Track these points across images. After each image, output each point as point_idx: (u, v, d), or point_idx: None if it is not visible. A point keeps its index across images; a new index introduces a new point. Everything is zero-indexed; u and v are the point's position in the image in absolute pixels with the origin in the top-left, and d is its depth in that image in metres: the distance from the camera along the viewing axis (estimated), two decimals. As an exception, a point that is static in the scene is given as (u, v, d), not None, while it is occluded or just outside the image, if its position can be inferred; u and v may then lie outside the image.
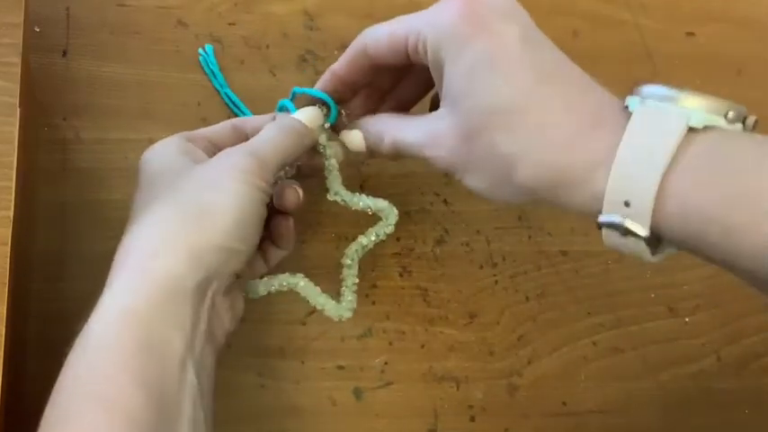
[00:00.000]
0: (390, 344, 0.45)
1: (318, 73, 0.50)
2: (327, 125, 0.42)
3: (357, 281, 0.41)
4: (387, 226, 0.41)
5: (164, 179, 0.36)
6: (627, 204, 0.31)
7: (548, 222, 0.50)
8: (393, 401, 0.44)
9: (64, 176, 0.44)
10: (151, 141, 0.46)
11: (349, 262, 0.41)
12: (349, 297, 0.40)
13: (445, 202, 0.49)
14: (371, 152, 0.41)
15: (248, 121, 0.42)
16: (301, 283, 0.39)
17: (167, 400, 0.31)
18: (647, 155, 0.30)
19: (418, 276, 0.47)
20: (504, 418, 0.45)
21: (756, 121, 0.32)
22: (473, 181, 0.36)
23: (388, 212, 0.41)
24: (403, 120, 0.40)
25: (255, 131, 0.40)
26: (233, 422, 0.42)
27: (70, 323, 0.39)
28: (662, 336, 0.49)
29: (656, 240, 0.32)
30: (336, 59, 0.51)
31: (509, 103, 0.33)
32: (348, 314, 0.40)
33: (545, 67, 0.34)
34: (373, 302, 0.46)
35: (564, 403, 0.46)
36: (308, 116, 0.41)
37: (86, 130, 0.46)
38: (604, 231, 0.32)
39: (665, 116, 0.31)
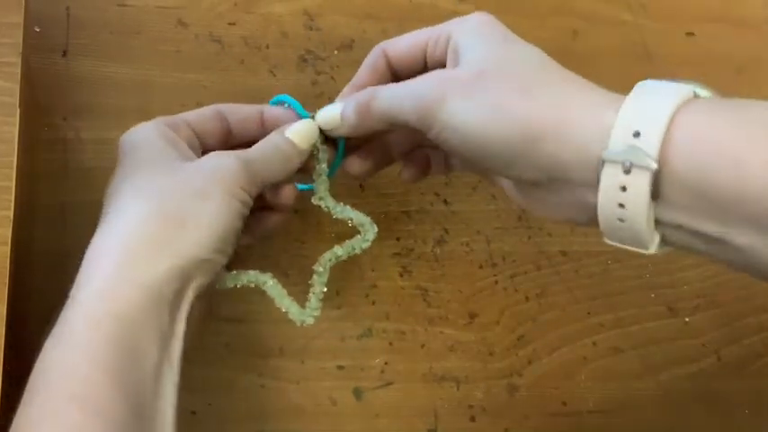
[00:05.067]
0: (390, 344, 0.45)
1: (318, 73, 0.50)
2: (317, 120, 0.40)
3: (325, 289, 0.40)
4: (364, 241, 0.41)
5: (146, 169, 0.35)
6: (636, 135, 0.29)
7: (548, 222, 0.50)
8: (393, 401, 0.44)
9: (64, 176, 0.44)
10: (151, 141, 0.46)
11: (321, 270, 0.40)
12: (314, 304, 0.40)
13: (445, 202, 0.49)
14: (351, 126, 0.39)
15: (233, 109, 0.40)
16: (269, 282, 0.38)
17: (144, 404, 0.31)
18: (659, 94, 0.30)
19: (418, 276, 0.47)
20: (504, 418, 0.45)
21: None
22: (467, 105, 0.34)
23: (368, 228, 0.41)
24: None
25: (239, 123, 0.40)
26: (233, 422, 0.42)
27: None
28: (662, 336, 0.49)
29: (656, 192, 0.30)
30: (336, 59, 0.51)
31: (537, 55, 0.35)
32: (310, 320, 0.39)
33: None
34: (373, 302, 0.46)
35: (564, 403, 0.46)
36: (307, 132, 0.39)
37: (86, 130, 0.46)
38: (605, 174, 0.30)
39: (671, 83, 0.31)
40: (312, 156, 0.40)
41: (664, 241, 0.32)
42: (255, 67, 0.50)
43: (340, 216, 0.41)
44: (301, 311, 0.39)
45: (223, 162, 0.36)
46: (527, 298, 0.48)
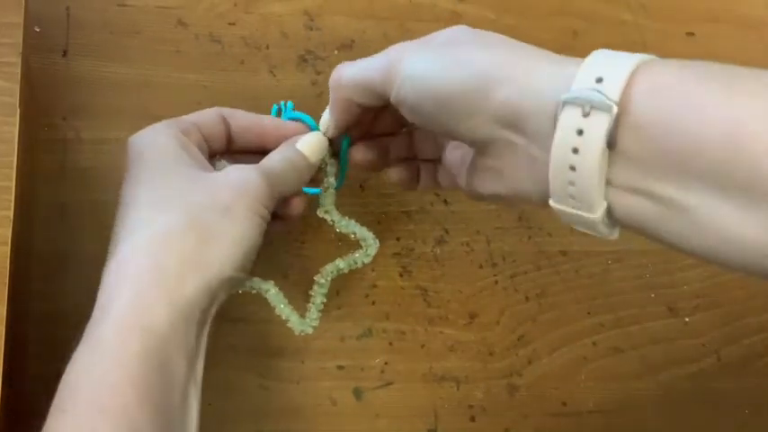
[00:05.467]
0: (390, 344, 0.45)
1: (318, 73, 0.50)
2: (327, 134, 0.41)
3: (325, 300, 0.41)
4: (366, 256, 0.42)
5: (164, 176, 0.35)
6: (599, 80, 0.28)
7: (548, 222, 0.50)
8: (393, 401, 0.44)
9: (64, 176, 0.44)
10: (151, 141, 0.46)
11: (322, 281, 0.41)
12: (314, 314, 0.40)
13: (445, 202, 0.49)
14: (331, 106, 0.39)
15: (234, 114, 0.40)
16: (271, 290, 0.38)
17: (172, 421, 0.31)
18: (625, 54, 0.30)
19: (418, 276, 0.47)
20: (504, 418, 0.45)
21: None
22: (425, 56, 0.34)
23: (370, 243, 0.42)
24: None
25: (240, 130, 0.40)
26: (233, 422, 0.42)
27: (70, 323, 0.39)
28: (662, 336, 0.49)
29: (613, 142, 0.29)
30: (336, 59, 0.51)
31: (489, 35, 0.34)
32: (309, 330, 0.39)
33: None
34: (373, 302, 0.46)
35: (564, 403, 0.46)
36: (317, 146, 0.40)
37: (86, 130, 0.46)
38: (563, 117, 0.29)
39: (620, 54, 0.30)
40: (320, 169, 0.41)
41: (611, 214, 0.30)
42: (255, 67, 0.50)
43: (344, 230, 0.42)
44: (301, 321, 0.39)
45: (248, 177, 0.35)
46: (527, 298, 0.48)
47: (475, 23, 0.48)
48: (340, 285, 0.45)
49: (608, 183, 0.29)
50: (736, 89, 0.27)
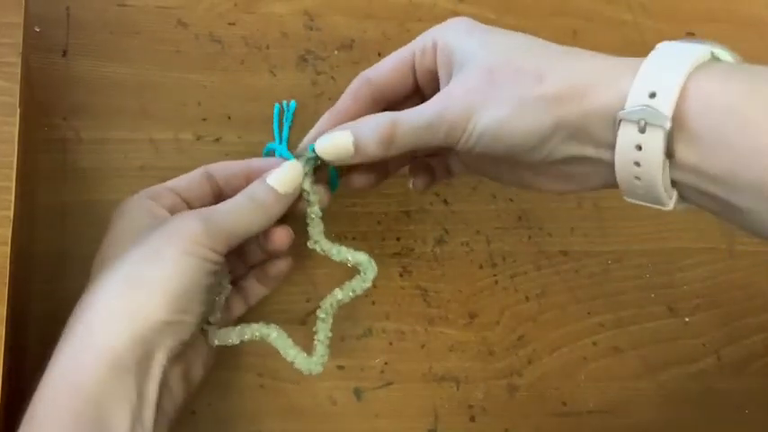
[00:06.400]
0: (390, 344, 0.45)
1: (318, 73, 0.50)
2: (311, 166, 0.39)
3: (330, 335, 0.39)
4: (364, 281, 0.39)
5: (121, 241, 0.35)
6: (652, 96, 0.30)
7: (548, 222, 0.50)
8: (393, 401, 0.44)
9: (64, 176, 0.44)
10: (151, 141, 0.46)
11: (323, 316, 0.39)
12: (321, 351, 0.39)
13: (445, 201, 0.49)
14: (371, 155, 0.37)
15: (221, 167, 0.40)
16: (274, 334, 0.38)
17: None
18: (676, 56, 0.31)
19: (418, 276, 0.47)
20: (504, 418, 0.45)
21: None
22: (495, 110, 0.34)
23: (367, 267, 0.39)
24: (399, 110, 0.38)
25: (226, 180, 0.39)
26: (233, 422, 0.42)
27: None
28: (662, 336, 0.49)
29: (670, 151, 0.31)
30: (336, 59, 0.51)
31: (528, 39, 0.36)
32: (318, 369, 0.38)
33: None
34: (373, 302, 0.46)
35: (564, 403, 0.46)
36: (288, 176, 0.37)
37: (86, 130, 0.46)
38: (621, 133, 0.31)
39: (689, 44, 0.32)
40: (301, 198, 0.39)
41: (681, 198, 0.33)
42: (255, 67, 0.50)
43: (337, 258, 0.39)
44: (308, 360, 0.38)
45: (181, 221, 0.35)
46: (527, 298, 0.48)
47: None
48: (340, 285, 0.45)
49: (673, 183, 0.32)
50: None
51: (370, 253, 0.42)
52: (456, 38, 0.36)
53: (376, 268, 0.39)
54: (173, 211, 0.38)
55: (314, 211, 0.39)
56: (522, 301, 0.48)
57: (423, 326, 0.46)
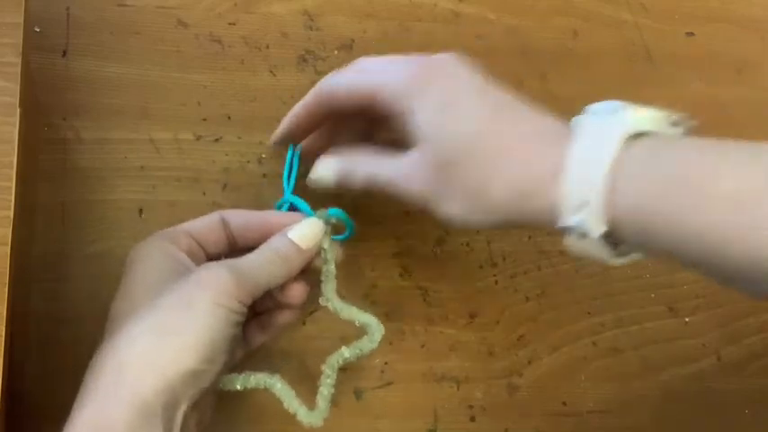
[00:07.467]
0: (390, 344, 0.45)
1: (318, 73, 0.50)
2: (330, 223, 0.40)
3: (333, 391, 0.40)
4: (371, 342, 0.40)
5: (143, 286, 0.36)
6: (585, 205, 0.33)
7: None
8: (393, 401, 0.44)
9: (64, 176, 0.44)
10: (151, 141, 0.46)
11: (329, 372, 0.40)
12: (323, 406, 0.39)
13: (445, 202, 0.49)
14: (340, 184, 0.41)
15: (236, 215, 0.40)
16: (278, 384, 0.38)
17: None
18: (595, 158, 0.33)
19: (418, 276, 0.47)
20: (504, 418, 0.45)
21: (693, 125, 0.35)
22: (448, 208, 0.37)
23: (374, 329, 0.40)
24: (376, 157, 0.41)
25: (240, 228, 0.40)
26: (233, 422, 0.42)
27: (70, 323, 0.39)
28: (662, 336, 0.49)
29: (616, 243, 0.35)
30: (336, 59, 0.51)
31: (474, 133, 0.37)
32: (319, 423, 0.39)
33: (498, 100, 0.38)
34: (373, 302, 0.46)
35: (564, 403, 0.46)
36: (310, 233, 0.39)
37: (86, 130, 0.46)
38: (566, 236, 0.35)
39: (606, 126, 0.34)
40: (317, 255, 0.40)
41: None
42: (255, 67, 0.50)
43: (346, 317, 0.40)
44: (309, 414, 0.38)
45: (211, 272, 0.35)
46: (527, 298, 0.48)
47: (475, 23, 0.48)
48: (340, 285, 0.45)
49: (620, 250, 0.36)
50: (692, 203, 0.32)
51: (371, 252, 0.43)
52: (409, 102, 0.38)
53: (383, 330, 0.40)
54: (190, 254, 0.38)
55: (329, 270, 0.40)
56: (522, 301, 0.48)
57: (423, 325, 0.46)
